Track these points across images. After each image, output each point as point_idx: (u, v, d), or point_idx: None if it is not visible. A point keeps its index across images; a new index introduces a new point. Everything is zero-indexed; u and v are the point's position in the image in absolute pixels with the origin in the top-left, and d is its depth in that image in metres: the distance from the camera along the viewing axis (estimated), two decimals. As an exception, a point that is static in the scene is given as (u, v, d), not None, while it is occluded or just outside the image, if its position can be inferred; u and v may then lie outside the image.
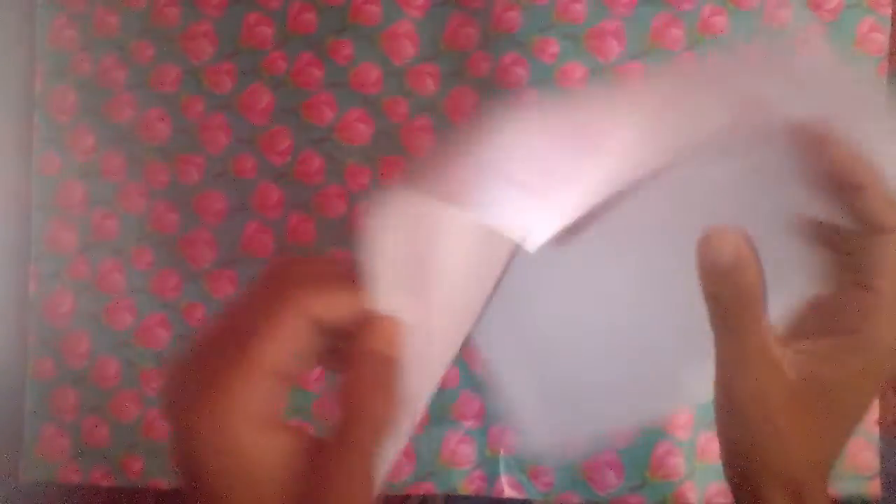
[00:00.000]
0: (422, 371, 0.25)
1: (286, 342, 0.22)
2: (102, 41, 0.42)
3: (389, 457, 0.24)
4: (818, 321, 0.27)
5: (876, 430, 0.42)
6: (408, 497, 0.43)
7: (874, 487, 0.42)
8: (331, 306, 0.23)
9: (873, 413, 0.42)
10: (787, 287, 0.28)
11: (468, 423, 0.43)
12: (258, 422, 0.22)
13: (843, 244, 0.26)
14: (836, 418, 0.26)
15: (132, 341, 0.42)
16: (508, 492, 0.42)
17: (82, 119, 0.42)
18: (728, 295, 0.26)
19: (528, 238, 0.22)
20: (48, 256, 0.42)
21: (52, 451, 0.42)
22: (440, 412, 0.42)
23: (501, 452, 0.42)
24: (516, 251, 0.28)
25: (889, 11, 0.42)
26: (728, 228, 0.26)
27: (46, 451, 0.42)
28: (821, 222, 0.27)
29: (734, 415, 0.27)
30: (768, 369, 0.26)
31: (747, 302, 0.25)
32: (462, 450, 0.43)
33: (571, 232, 0.24)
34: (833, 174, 0.25)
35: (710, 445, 0.42)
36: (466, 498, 0.43)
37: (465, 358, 0.42)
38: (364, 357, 0.23)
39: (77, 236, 0.42)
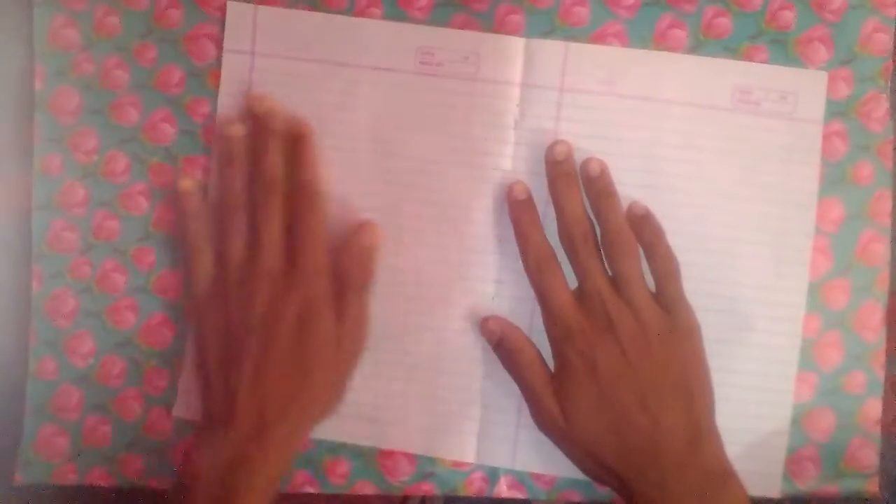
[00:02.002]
0: None
1: None
2: (104, 41, 0.42)
3: None
4: None
5: (876, 430, 0.42)
6: (408, 497, 0.43)
7: (873, 486, 0.42)
8: None
9: (874, 413, 0.42)
10: None
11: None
12: None
13: None
14: None
15: (136, 340, 0.42)
16: (508, 492, 0.43)
17: (85, 120, 0.42)
18: None
19: None
20: (50, 257, 0.42)
21: (50, 451, 0.42)
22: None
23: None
24: None
25: (894, 12, 0.42)
26: None
27: (44, 451, 0.42)
28: None
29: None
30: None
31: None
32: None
33: None
34: None
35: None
36: (467, 498, 0.43)
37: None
38: None
39: (79, 236, 0.42)
